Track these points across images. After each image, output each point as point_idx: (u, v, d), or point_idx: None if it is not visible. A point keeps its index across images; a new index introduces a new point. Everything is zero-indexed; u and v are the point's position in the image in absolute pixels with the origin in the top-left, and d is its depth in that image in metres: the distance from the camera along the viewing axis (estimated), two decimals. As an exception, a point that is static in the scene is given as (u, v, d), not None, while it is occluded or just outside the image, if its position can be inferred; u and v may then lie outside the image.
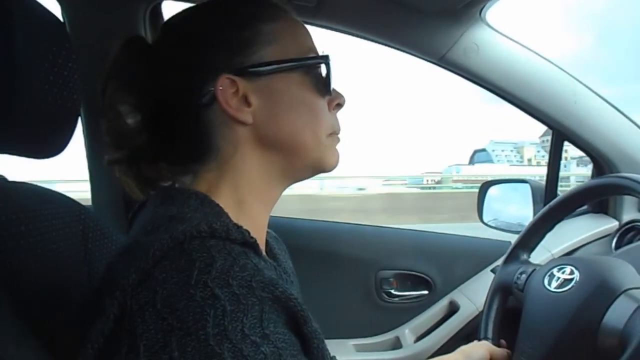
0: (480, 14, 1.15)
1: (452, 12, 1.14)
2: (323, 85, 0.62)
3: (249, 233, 0.51)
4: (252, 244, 0.51)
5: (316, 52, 0.64)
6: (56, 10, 1.13)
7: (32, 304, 0.57)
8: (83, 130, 1.22)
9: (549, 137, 1.33)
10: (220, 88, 0.57)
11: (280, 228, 0.80)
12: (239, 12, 0.61)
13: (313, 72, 0.62)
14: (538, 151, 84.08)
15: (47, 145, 0.68)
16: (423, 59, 1.24)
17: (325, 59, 0.63)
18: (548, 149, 1.35)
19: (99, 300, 0.47)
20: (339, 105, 0.65)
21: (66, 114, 0.67)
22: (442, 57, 1.21)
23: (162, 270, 0.45)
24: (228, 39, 0.59)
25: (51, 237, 0.66)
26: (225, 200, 0.58)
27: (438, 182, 23.88)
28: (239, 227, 0.51)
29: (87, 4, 1.15)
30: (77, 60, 0.66)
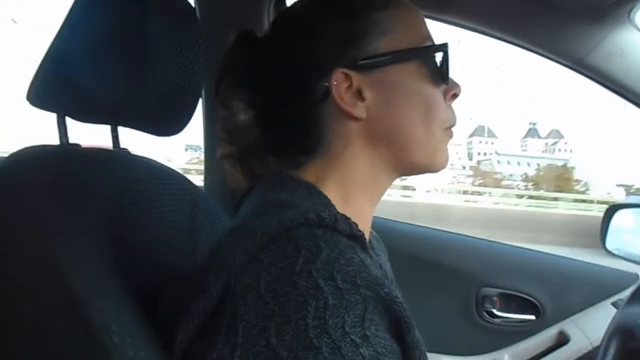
0: (629, 15, 1.02)
1: (597, 11, 1.02)
2: (441, 75, 0.58)
3: (356, 225, 0.49)
4: (359, 238, 0.49)
5: (432, 39, 0.60)
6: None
7: (142, 277, 0.59)
8: (203, 116, 1.28)
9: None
10: (335, 83, 0.56)
11: (382, 229, 0.77)
12: (351, 1, 0.59)
13: (430, 61, 0.58)
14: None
15: (168, 124, 0.71)
16: (557, 61, 1.13)
17: (444, 46, 0.59)
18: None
19: (204, 277, 0.47)
20: (455, 96, 0.61)
21: (187, 96, 0.69)
22: (580, 60, 1.09)
23: (268, 255, 0.45)
24: (340, 31, 0.57)
25: (163, 212, 0.69)
26: (331, 193, 0.57)
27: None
28: (347, 219, 0.49)
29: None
30: (202, 44, 0.68)
